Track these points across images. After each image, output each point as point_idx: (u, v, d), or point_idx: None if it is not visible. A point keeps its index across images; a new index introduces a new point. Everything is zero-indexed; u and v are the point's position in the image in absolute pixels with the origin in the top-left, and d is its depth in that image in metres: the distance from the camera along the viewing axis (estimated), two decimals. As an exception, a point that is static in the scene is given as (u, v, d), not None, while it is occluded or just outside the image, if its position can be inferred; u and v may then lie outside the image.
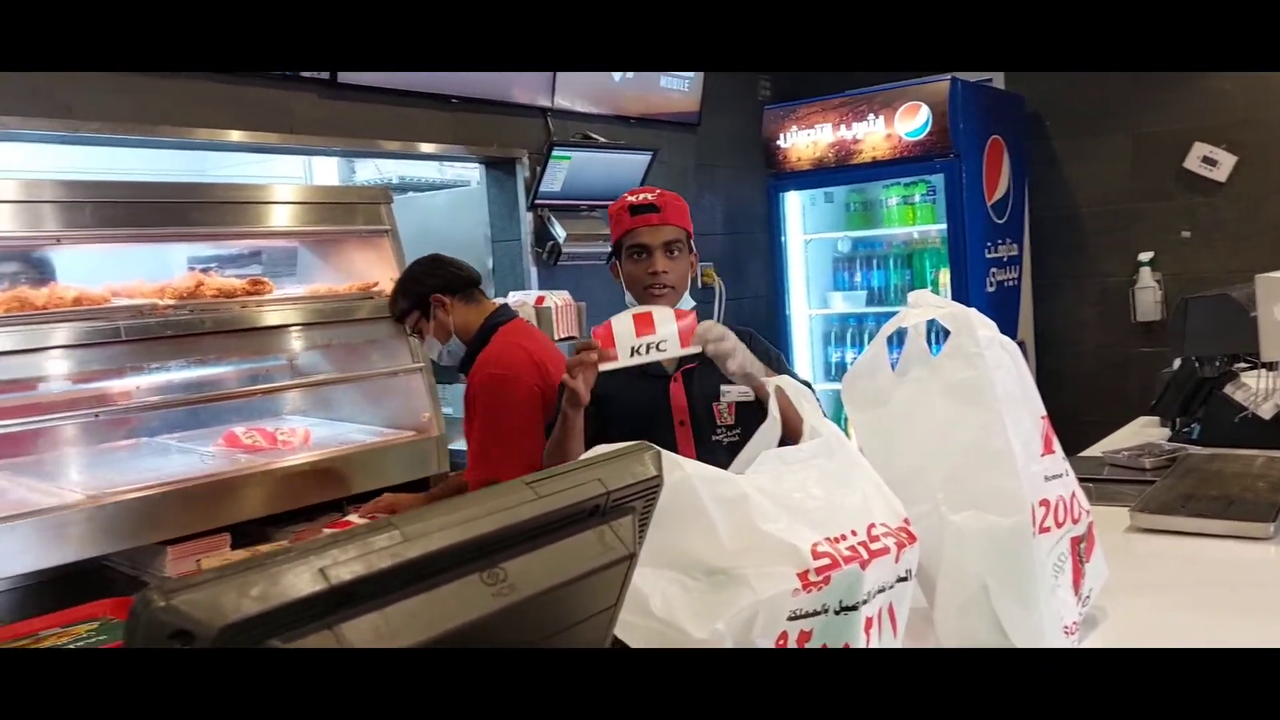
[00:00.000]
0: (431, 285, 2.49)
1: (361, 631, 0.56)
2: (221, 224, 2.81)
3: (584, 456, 0.75)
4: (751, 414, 1.83)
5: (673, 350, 1.76)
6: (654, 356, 1.76)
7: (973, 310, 1.31)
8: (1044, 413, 1.32)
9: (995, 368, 1.27)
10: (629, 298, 2.04)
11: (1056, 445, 1.33)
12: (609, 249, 2.12)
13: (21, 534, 2.11)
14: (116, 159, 3.11)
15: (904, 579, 1.12)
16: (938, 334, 1.38)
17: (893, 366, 1.37)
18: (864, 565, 1.06)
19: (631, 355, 1.74)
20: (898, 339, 1.37)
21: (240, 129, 3.16)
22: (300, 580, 0.54)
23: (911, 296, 1.38)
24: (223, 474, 2.54)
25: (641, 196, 2.06)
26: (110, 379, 2.65)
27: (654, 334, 1.75)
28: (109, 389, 2.67)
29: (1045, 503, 1.29)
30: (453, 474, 2.90)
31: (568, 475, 0.67)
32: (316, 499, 2.68)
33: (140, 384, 2.74)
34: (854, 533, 1.06)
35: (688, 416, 1.97)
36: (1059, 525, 1.31)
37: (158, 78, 2.95)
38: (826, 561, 1.03)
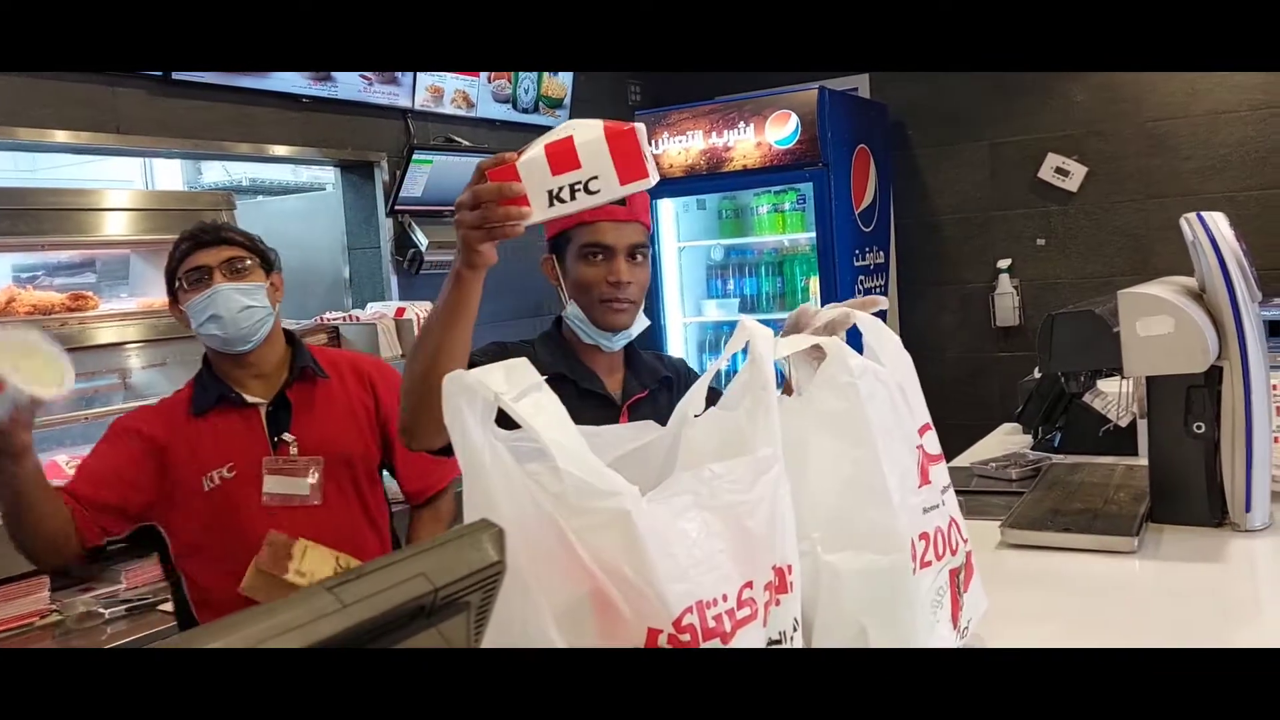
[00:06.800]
0: None
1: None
2: (43, 233, 2.59)
3: (411, 547, 0.60)
4: None
5: (609, 193, 1.21)
6: (582, 204, 1.22)
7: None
8: (919, 442, 1.26)
9: (869, 398, 1.20)
10: (571, 308, 1.69)
11: (933, 474, 1.27)
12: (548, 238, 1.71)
13: None
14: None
15: (776, 641, 1.00)
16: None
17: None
18: (726, 640, 0.91)
19: (552, 204, 1.22)
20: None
21: (64, 128, 2.90)
22: None
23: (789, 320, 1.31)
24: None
25: None
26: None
27: (580, 170, 1.20)
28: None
29: (925, 536, 1.23)
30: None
31: (383, 573, 0.53)
32: (150, 532, 2.45)
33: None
34: (725, 597, 0.91)
35: None
36: (938, 558, 1.25)
37: (-34, 71, 2.68)
38: (686, 638, 0.87)
